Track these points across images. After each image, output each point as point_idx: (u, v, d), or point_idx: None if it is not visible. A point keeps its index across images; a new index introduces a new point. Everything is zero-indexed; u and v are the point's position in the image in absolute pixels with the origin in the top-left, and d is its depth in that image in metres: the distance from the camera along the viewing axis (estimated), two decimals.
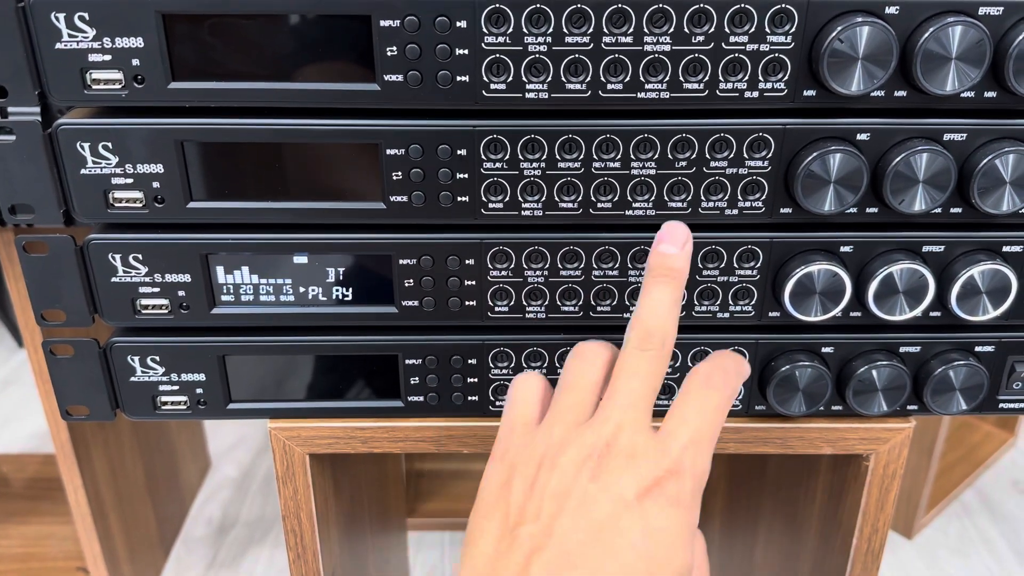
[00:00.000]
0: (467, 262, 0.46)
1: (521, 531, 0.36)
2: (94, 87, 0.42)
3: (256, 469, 1.31)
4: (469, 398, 0.49)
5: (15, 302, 0.87)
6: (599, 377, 0.40)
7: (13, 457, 1.30)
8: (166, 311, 0.47)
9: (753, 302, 0.47)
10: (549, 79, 0.41)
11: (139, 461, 1.09)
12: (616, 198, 0.44)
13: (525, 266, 0.46)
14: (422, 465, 1.32)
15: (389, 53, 0.41)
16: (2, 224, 0.73)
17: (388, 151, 0.43)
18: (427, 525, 1.24)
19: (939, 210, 0.44)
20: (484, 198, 0.44)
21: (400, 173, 0.44)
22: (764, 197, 0.44)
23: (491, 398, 0.50)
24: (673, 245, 0.40)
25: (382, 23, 0.40)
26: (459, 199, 0.44)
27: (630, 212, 0.45)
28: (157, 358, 0.48)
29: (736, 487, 0.82)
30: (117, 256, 0.45)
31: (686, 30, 0.40)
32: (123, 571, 1.04)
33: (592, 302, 0.47)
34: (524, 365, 0.49)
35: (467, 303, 0.47)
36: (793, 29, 0.40)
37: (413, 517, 1.22)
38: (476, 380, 0.49)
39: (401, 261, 0.46)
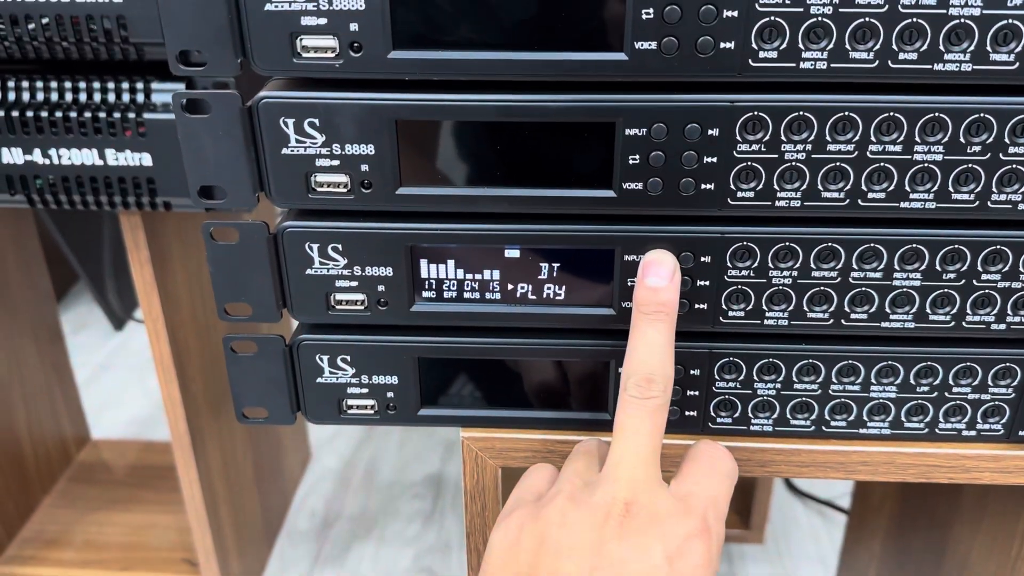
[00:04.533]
0: (703, 259, 0.40)
1: None
2: (304, 55, 0.37)
3: (357, 460, 1.28)
4: (687, 413, 0.44)
5: (139, 287, 0.84)
6: (602, 445, 0.39)
7: (114, 443, 1.29)
8: (362, 307, 0.42)
9: None
10: (831, 46, 0.35)
11: (249, 452, 1.06)
12: (892, 187, 0.38)
13: (771, 265, 0.40)
14: None
15: (644, 16, 0.35)
16: (165, 207, 0.71)
17: (627, 131, 0.38)
18: None
19: None
20: (733, 186, 0.38)
21: (638, 157, 0.38)
22: None
23: (711, 414, 0.44)
24: (661, 277, 0.38)
25: None
26: (703, 187, 0.39)
27: (906, 204, 0.38)
28: (348, 358, 0.43)
29: (909, 512, 0.74)
30: (315, 246, 0.41)
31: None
32: (232, 565, 1.01)
33: (846, 308, 0.41)
34: (755, 378, 0.43)
35: (696, 306, 0.41)
36: None
37: None
38: (696, 393, 0.43)
39: (626, 257, 0.40)
